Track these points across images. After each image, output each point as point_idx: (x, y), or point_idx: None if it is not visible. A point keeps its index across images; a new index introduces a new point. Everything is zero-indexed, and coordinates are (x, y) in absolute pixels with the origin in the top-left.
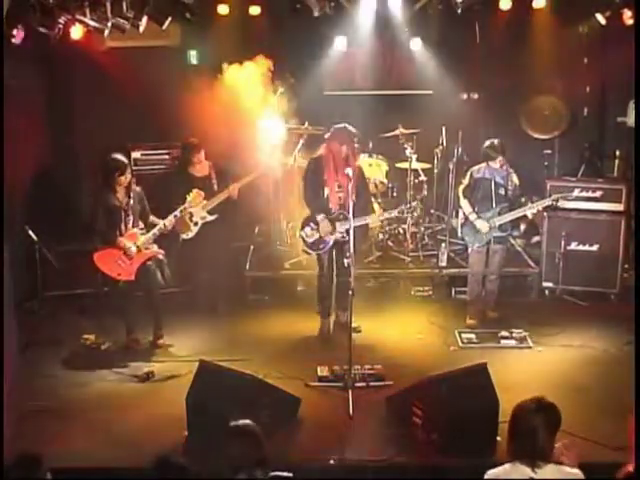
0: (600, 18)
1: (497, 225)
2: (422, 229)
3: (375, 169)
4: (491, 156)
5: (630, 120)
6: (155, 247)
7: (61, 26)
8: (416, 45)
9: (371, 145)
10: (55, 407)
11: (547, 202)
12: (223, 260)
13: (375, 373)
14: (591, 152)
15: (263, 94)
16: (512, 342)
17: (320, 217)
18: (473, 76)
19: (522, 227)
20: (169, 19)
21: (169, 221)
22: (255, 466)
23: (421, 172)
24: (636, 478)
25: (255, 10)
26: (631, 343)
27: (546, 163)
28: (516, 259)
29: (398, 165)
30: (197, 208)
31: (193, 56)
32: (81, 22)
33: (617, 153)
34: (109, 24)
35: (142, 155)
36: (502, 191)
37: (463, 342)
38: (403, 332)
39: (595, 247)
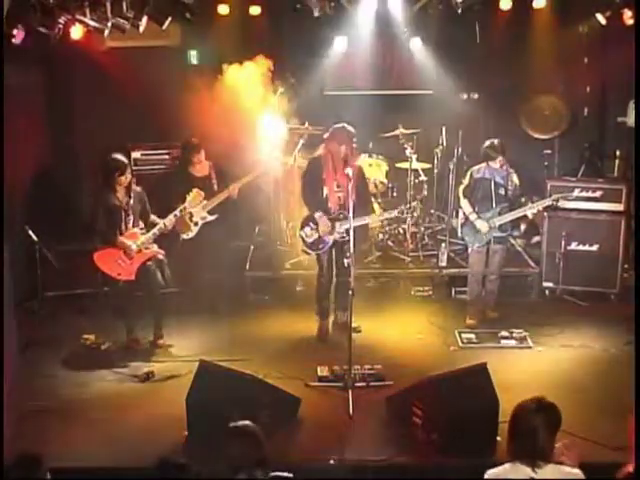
0: (600, 18)
1: (497, 225)
2: (422, 229)
3: (375, 169)
4: (491, 156)
5: (630, 120)
6: (155, 247)
7: (61, 26)
8: (416, 45)
9: (371, 145)
10: (55, 407)
11: (547, 202)
12: (223, 260)
13: (375, 373)
14: (591, 152)
15: (263, 94)
16: (512, 342)
17: (318, 214)
18: (473, 76)
19: (522, 227)
20: (169, 19)
21: (169, 221)
22: (255, 466)
23: (421, 172)
24: (636, 478)
25: (255, 10)
26: (631, 343)
27: (546, 163)
28: (516, 259)
29: (398, 165)
30: (197, 208)
31: (193, 56)
32: (81, 22)
33: (617, 153)
34: (109, 24)
35: (142, 155)
36: (502, 191)
37: (463, 342)
38: (403, 332)
39: (595, 247)
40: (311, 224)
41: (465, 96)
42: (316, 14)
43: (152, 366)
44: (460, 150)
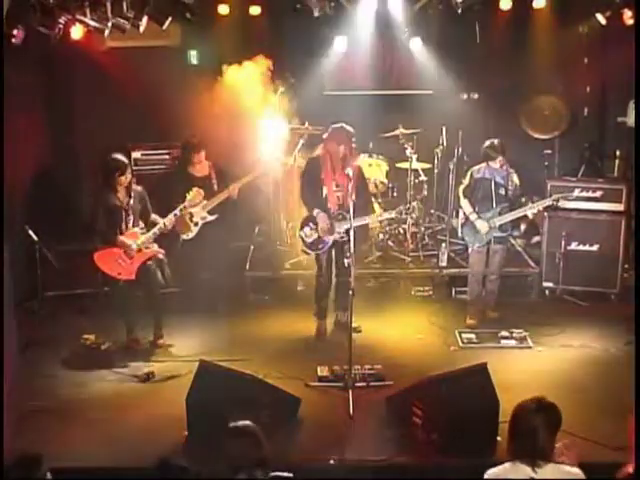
0: (600, 18)
1: (497, 225)
2: (422, 229)
3: (375, 169)
4: (491, 156)
5: (630, 120)
6: (155, 246)
7: (61, 26)
8: (416, 45)
9: (371, 145)
10: (55, 407)
11: (547, 202)
12: (223, 260)
13: (375, 373)
14: (591, 152)
15: (263, 94)
16: (512, 342)
17: (316, 211)
18: (473, 76)
19: (522, 227)
20: (169, 19)
21: (169, 220)
22: (255, 466)
23: (421, 172)
24: (636, 479)
25: (255, 10)
26: (631, 343)
27: (546, 163)
28: (516, 259)
29: (398, 165)
30: (197, 208)
31: (193, 56)
32: (81, 22)
33: (617, 153)
34: (109, 24)
35: (142, 155)
36: (502, 191)
37: (463, 342)
38: (403, 332)
39: (595, 247)
40: (311, 224)
41: (465, 96)
42: (316, 14)
43: (152, 366)
44: (460, 150)
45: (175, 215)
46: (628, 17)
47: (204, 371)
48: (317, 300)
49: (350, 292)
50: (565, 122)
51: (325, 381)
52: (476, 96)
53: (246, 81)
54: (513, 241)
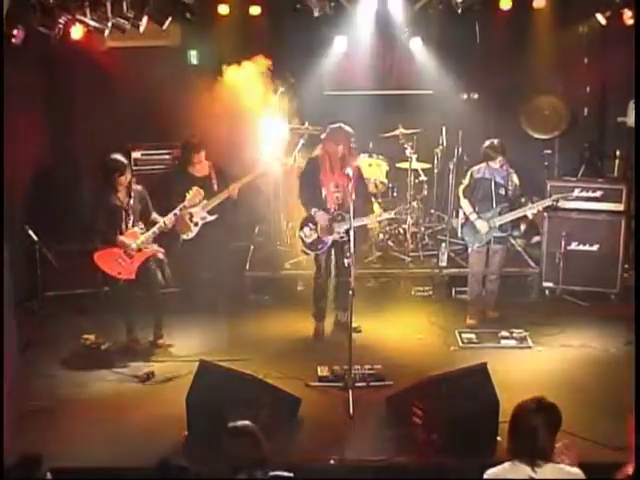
0: (600, 18)
1: (497, 225)
2: (422, 229)
3: (375, 169)
4: (491, 156)
5: (630, 120)
6: (155, 246)
7: (61, 26)
8: (416, 45)
9: (371, 145)
10: (55, 407)
11: (547, 202)
12: (223, 260)
13: (375, 373)
14: (591, 152)
15: (263, 94)
16: (512, 342)
17: (314, 210)
18: (473, 76)
19: (522, 227)
20: (169, 19)
21: (169, 219)
22: (255, 466)
23: (421, 172)
24: (636, 479)
25: (255, 10)
26: (631, 343)
27: (546, 163)
28: (516, 259)
29: (398, 165)
30: (197, 208)
31: (193, 56)
32: (81, 22)
33: (617, 153)
34: (109, 24)
35: (142, 155)
36: (502, 191)
37: (463, 342)
38: (403, 332)
39: (595, 247)
40: (310, 224)
41: (465, 96)
42: (316, 14)
43: (152, 366)
44: (460, 150)
45: (175, 214)
46: (628, 17)
47: (204, 371)
48: (315, 301)
49: (350, 292)
50: (565, 122)
51: (325, 381)
52: (476, 96)
53: (246, 81)
54: (513, 241)
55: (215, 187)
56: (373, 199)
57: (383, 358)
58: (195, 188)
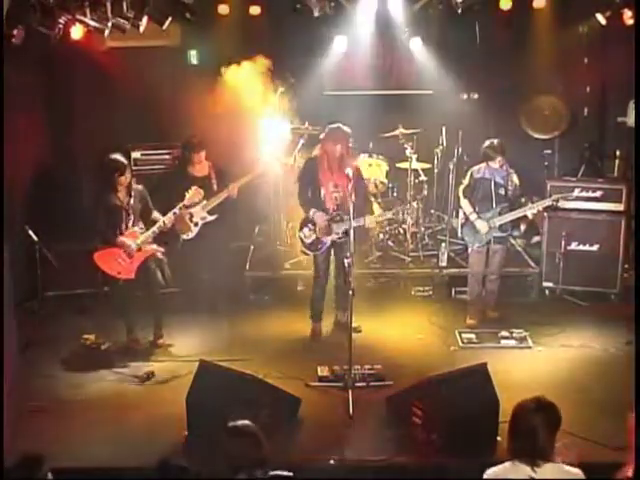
0: (600, 18)
1: (497, 225)
2: (422, 229)
3: (375, 169)
4: (491, 156)
5: (630, 120)
6: (155, 246)
7: (61, 26)
8: (416, 45)
9: (371, 145)
10: (55, 407)
11: (547, 202)
12: (223, 260)
13: (375, 373)
14: (591, 152)
15: (263, 94)
16: (512, 342)
17: (312, 211)
18: (473, 76)
19: (522, 227)
20: (169, 19)
21: (168, 218)
22: (255, 466)
23: (421, 172)
24: (636, 479)
25: (255, 10)
26: (631, 343)
27: (546, 163)
28: (516, 259)
29: (398, 165)
30: (197, 208)
31: (193, 56)
32: (81, 22)
33: (617, 153)
34: (109, 24)
35: (142, 155)
36: (502, 191)
37: (463, 342)
38: (403, 332)
39: (595, 247)
40: (309, 225)
41: (465, 96)
42: (316, 14)
43: (152, 366)
44: (460, 150)
45: (174, 213)
46: (628, 17)
47: (204, 371)
48: (313, 302)
49: (350, 292)
50: (565, 122)
51: (325, 381)
52: (476, 96)
53: (246, 81)
54: (513, 241)
55: (215, 187)
56: (373, 199)
57: (383, 358)
58: (194, 187)
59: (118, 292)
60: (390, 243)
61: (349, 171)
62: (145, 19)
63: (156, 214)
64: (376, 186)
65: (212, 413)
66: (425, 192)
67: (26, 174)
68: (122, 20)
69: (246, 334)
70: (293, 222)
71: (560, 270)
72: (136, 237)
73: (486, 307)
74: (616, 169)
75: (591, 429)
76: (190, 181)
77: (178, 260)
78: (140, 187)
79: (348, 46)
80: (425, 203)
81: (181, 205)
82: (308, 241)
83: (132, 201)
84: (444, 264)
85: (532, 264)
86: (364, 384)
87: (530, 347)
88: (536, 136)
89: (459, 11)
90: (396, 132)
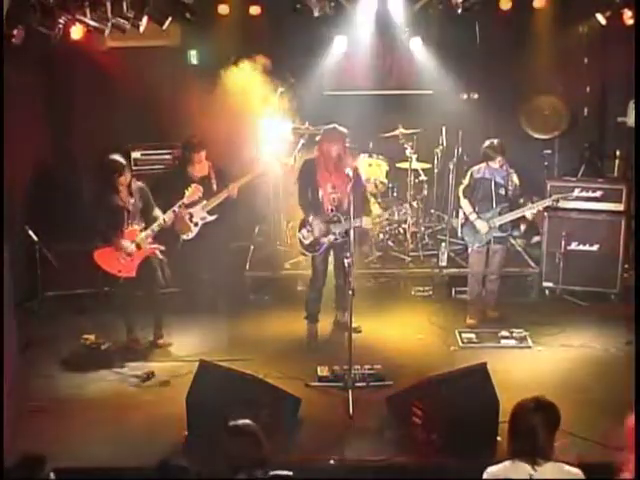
0: (600, 18)
1: (497, 225)
2: (422, 229)
3: (375, 169)
4: (491, 156)
5: (630, 120)
6: (155, 244)
7: (61, 26)
8: (416, 45)
9: (371, 145)
10: (55, 407)
11: (547, 202)
12: (223, 260)
13: (375, 373)
14: (591, 152)
15: (263, 94)
16: (512, 342)
17: (311, 218)
18: (473, 76)
19: (522, 227)
20: (169, 19)
21: (168, 216)
22: (255, 466)
23: (421, 172)
24: (636, 479)
25: (255, 10)
26: (631, 343)
27: (546, 163)
28: (516, 259)
29: (398, 165)
30: (197, 208)
31: (193, 56)
32: (81, 22)
33: (617, 153)
34: (109, 24)
35: (142, 155)
36: (502, 191)
37: (463, 342)
38: (403, 332)
39: (595, 247)
40: (308, 226)
41: (465, 96)
42: (316, 14)
43: (152, 366)
44: (460, 150)
45: (174, 211)
46: (628, 17)
47: (204, 371)
48: (308, 304)
49: (350, 292)
50: (565, 122)
51: (325, 381)
52: (476, 96)
53: (246, 81)
54: (513, 241)
55: (215, 187)
56: (373, 199)
57: (383, 358)
58: (194, 185)
59: (118, 292)
60: (390, 243)
61: (349, 171)
62: (145, 19)
63: (157, 211)
64: (376, 186)
65: (212, 413)
66: (425, 192)
67: (26, 174)
68: (122, 20)
69: (246, 334)
70: (293, 222)
71: (560, 270)
72: (136, 235)
73: (486, 307)
74: (616, 169)
75: (591, 429)
76: (190, 181)
77: (178, 260)
78: (140, 184)
79: (348, 46)
80: (425, 203)
81: (181, 203)
82: (306, 242)
83: (133, 200)
84: (444, 264)
85: (532, 264)
86: (364, 384)
87: (530, 347)
88: (536, 136)
89: (459, 11)
90: (396, 132)
